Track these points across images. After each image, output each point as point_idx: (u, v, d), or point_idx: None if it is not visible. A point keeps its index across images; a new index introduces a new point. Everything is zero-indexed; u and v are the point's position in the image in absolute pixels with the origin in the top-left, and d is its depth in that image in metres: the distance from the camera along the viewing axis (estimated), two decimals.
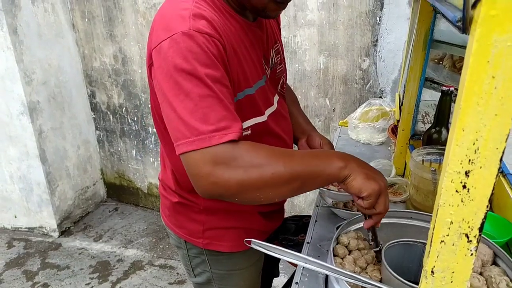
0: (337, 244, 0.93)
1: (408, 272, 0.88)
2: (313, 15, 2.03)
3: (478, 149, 0.46)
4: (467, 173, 0.48)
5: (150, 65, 0.88)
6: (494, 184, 0.48)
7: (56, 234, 2.90)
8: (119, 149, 3.11)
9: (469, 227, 0.51)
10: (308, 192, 2.50)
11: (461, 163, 0.47)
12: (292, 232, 1.31)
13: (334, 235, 0.92)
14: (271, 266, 1.45)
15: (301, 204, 2.57)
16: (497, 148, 0.46)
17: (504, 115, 0.44)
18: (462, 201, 0.49)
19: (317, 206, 1.20)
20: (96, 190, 3.26)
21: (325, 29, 2.03)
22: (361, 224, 0.99)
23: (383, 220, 1.00)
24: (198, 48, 0.78)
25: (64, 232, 2.95)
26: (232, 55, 0.86)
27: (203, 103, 0.77)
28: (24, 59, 2.50)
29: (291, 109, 1.25)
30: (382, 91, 2.03)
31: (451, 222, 0.51)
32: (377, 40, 1.94)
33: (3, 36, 2.39)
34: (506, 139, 0.46)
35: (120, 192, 3.30)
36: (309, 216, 1.23)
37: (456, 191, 0.49)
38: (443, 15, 0.58)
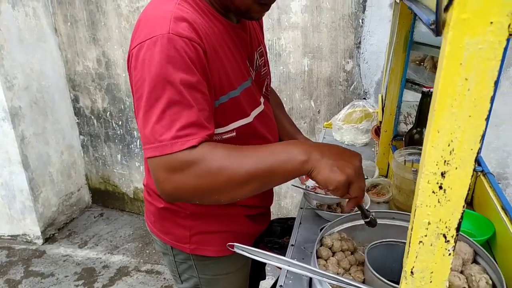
0: (320, 246, 0.93)
1: (391, 272, 0.88)
2: (296, 18, 2.04)
3: (453, 150, 0.47)
4: (443, 174, 0.48)
5: (129, 67, 0.87)
6: (470, 185, 0.49)
7: (40, 241, 2.85)
8: (104, 154, 3.08)
9: (446, 227, 0.51)
10: (294, 195, 2.52)
11: (437, 164, 0.48)
12: (277, 235, 1.31)
13: (318, 237, 0.92)
14: (257, 269, 1.45)
15: (288, 206, 2.58)
16: (471, 149, 0.47)
17: (477, 117, 0.45)
18: (438, 201, 0.50)
19: (301, 208, 1.20)
20: (81, 196, 3.22)
21: (309, 31, 2.04)
22: (345, 225, 1.00)
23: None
24: (175, 52, 0.77)
25: (48, 239, 2.90)
26: (214, 59, 0.86)
27: (172, 109, 0.77)
28: (4, 64, 2.45)
29: (276, 112, 1.26)
30: (366, 92, 2.05)
31: (429, 223, 0.51)
32: (360, 42, 1.96)
33: None
34: (480, 140, 0.47)
35: (105, 197, 3.26)
36: (294, 219, 1.24)
37: (433, 191, 0.49)
38: (420, 18, 0.59)
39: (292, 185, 1.14)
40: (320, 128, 2.21)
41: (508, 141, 1.83)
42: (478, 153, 0.47)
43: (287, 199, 2.55)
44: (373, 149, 1.56)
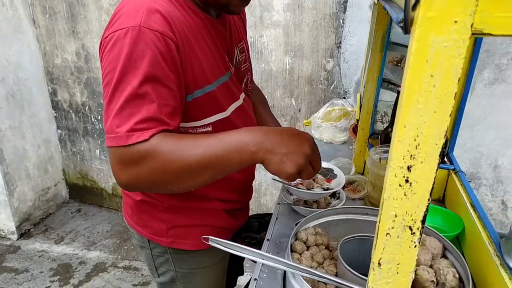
0: (295, 240, 0.94)
1: (363, 266, 0.90)
2: (278, 16, 2.05)
3: (419, 144, 0.48)
4: (409, 168, 0.49)
5: (100, 53, 0.87)
6: (435, 178, 0.50)
7: (14, 236, 2.79)
8: (82, 148, 3.03)
9: (412, 219, 0.52)
10: (274, 192, 2.53)
11: (403, 158, 0.49)
12: (255, 230, 1.32)
13: (293, 231, 0.93)
14: (236, 265, 1.46)
15: (267, 203, 2.59)
16: (436, 144, 0.48)
17: (442, 112, 0.46)
18: (405, 194, 0.51)
19: (278, 204, 1.21)
20: (58, 191, 3.16)
21: (291, 30, 2.06)
22: (320, 221, 1.01)
23: (340, 217, 1.03)
24: (144, 45, 0.78)
25: (24, 235, 2.84)
26: (188, 53, 0.86)
27: (133, 102, 0.78)
28: None
29: (259, 109, 1.27)
30: (346, 91, 2.08)
31: (396, 215, 0.52)
32: (340, 42, 1.98)
33: None
34: (444, 135, 0.48)
35: (83, 192, 3.21)
36: (272, 214, 1.25)
37: (400, 185, 0.50)
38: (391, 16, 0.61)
39: (272, 178, 1.15)
40: (301, 126, 2.23)
41: (481, 141, 1.88)
42: (442, 147, 0.49)
43: (267, 196, 2.57)
44: (350, 147, 1.59)
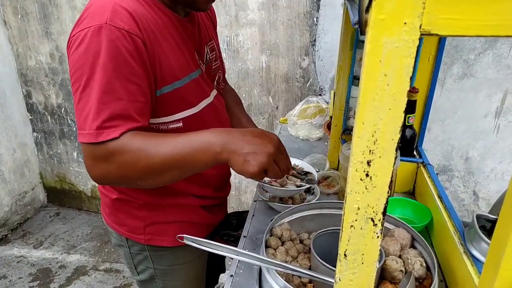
0: (270, 236, 0.97)
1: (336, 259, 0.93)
2: (254, 15, 2.07)
3: (376, 140, 0.50)
4: (368, 163, 0.52)
5: (68, 51, 0.88)
6: (393, 172, 0.53)
7: None
8: (59, 151, 2.98)
9: (374, 211, 0.55)
10: (254, 189, 2.55)
11: (363, 154, 0.51)
12: (233, 228, 1.34)
13: (268, 227, 0.95)
14: (217, 262, 1.47)
15: (248, 200, 2.61)
16: (392, 139, 0.51)
17: (396, 109, 0.48)
18: (366, 188, 0.53)
19: (255, 201, 1.23)
20: (36, 195, 3.10)
21: (266, 28, 2.08)
22: (294, 216, 1.04)
23: (314, 212, 1.05)
24: (110, 43, 0.79)
25: (1, 241, 2.79)
26: (155, 50, 0.88)
27: (101, 99, 0.80)
28: None
29: (234, 109, 1.28)
30: (322, 89, 2.11)
31: (358, 208, 0.55)
32: (315, 40, 2.01)
33: None
34: (399, 130, 0.51)
35: (61, 196, 3.16)
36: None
37: (361, 179, 0.53)
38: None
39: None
40: (278, 123, 2.25)
41: (452, 135, 1.94)
42: (398, 143, 0.51)
43: (247, 194, 2.59)
44: (326, 143, 1.62)
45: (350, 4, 0.77)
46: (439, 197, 1.02)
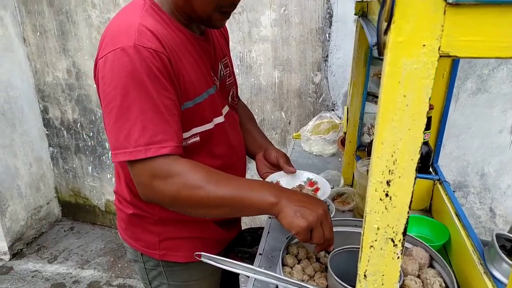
0: (286, 253, 0.96)
1: (354, 278, 0.92)
2: (266, 31, 2.09)
3: (396, 160, 0.50)
4: (388, 183, 0.52)
5: (96, 76, 0.90)
6: (413, 192, 0.52)
7: (7, 257, 2.76)
8: (74, 166, 3.03)
9: (393, 232, 0.54)
10: None
11: (382, 173, 0.51)
12: (248, 245, 1.33)
13: (283, 245, 0.95)
14: (231, 279, 1.46)
15: (261, 216, 2.60)
16: (412, 159, 0.51)
17: (416, 130, 0.49)
18: (386, 208, 0.53)
19: (270, 217, 1.23)
20: (50, 209, 3.14)
21: (279, 44, 2.10)
22: None
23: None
24: (142, 62, 0.81)
25: (16, 255, 2.81)
26: (179, 66, 0.90)
27: (143, 115, 0.82)
28: None
29: (247, 125, 1.29)
30: (334, 104, 2.11)
31: (378, 228, 0.54)
32: (327, 56, 2.03)
33: None
34: (419, 151, 0.51)
35: (76, 210, 3.19)
36: (264, 228, 1.26)
37: (380, 199, 0.52)
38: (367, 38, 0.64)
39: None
40: (291, 138, 2.26)
41: (467, 150, 1.92)
42: (418, 163, 0.51)
43: None
44: (340, 159, 1.61)
45: (366, 24, 0.77)
46: (457, 215, 1.00)
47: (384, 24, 0.45)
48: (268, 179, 1.13)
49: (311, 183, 1.18)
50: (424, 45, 0.43)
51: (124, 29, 0.86)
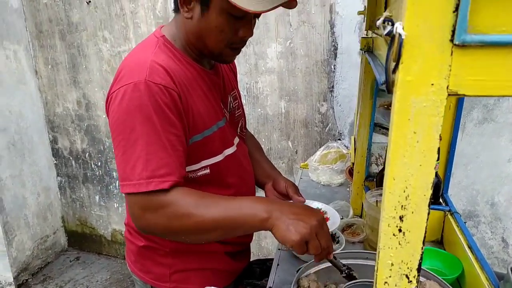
0: (297, 287, 0.95)
1: None
2: (273, 63, 2.14)
3: (408, 196, 0.50)
4: (401, 218, 0.52)
5: (107, 109, 0.94)
6: (426, 228, 0.52)
7: (12, 287, 2.74)
8: (82, 195, 3.03)
9: (408, 268, 0.54)
10: None
11: (395, 209, 0.51)
12: (256, 277, 1.32)
13: (294, 279, 0.94)
14: None
15: (268, 246, 2.57)
16: (424, 195, 0.51)
17: (427, 165, 0.49)
18: (399, 243, 0.53)
19: (279, 249, 1.22)
20: (57, 239, 3.13)
21: (285, 76, 2.14)
22: (321, 266, 1.02)
23: (344, 262, 1.03)
24: (151, 97, 0.84)
25: (21, 285, 2.79)
26: (188, 101, 0.93)
27: (148, 149, 0.84)
28: None
29: (255, 155, 1.31)
30: (341, 133, 2.13)
31: (392, 264, 0.54)
32: (333, 86, 2.06)
33: None
34: (431, 186, 0.51)
35: (82, 240, 3.18)
36: (273, 260, 1.25)
37: (394, 234, 0.52)
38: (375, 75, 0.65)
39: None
40: (298, 167, 2.26)
41: (476, 179, 1.91)
42: (430, 198, 0.51)
43: (267, 239, 2.55)
44: (348, 189, 1.61)
45: (372, 59, 0.79)
46: (469, 247, 0.99)
47: (393, 64, 0.47)
48: None
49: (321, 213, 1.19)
50: (432, 84, 0.44)
51: (137, 65, 0.89)
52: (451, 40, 0.42)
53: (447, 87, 0.45)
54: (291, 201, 1.15)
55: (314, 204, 1.20)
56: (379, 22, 0.50)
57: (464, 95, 0.45)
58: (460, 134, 1.85)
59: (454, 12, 0.41)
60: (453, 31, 0.42)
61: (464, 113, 1.82)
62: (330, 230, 1.12)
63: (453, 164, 1.20)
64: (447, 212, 1.16)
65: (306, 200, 1.16)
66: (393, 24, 0.46)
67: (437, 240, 1.21)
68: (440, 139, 1.14)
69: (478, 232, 1.98)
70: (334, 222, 1.15)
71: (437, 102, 0.46)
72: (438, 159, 1.15)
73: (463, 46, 0.42)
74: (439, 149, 1.18)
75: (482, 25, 0.42)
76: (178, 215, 0.85)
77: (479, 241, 1.99)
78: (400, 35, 0.44)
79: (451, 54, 0.43)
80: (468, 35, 0.42)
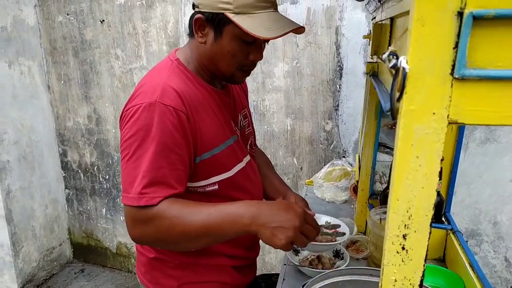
0: None
1: None
2: (279, 82, 2.20)
3: (411, 216, 0.54)
4: (404, 236, 0.55)
5: (121, 122, 1.00)
6: (428, 246, 0.56)
7: None
8: (89, 207, 3.07)
9: (410, 284, 0.57)
10: (278, 250, 2.54)
11: (398, 228, 0.55)
12: None
13: None
14: None
15: (272, 261, 2.59)
16: (426, 215, 0.54)
17: (429, 188, 0.53)
18: (402, 261, 0.56)
19: (284, 264, 1.25)
20: (62, 251, 3.15)
21: (291, 94, 2.19)
22: (325, 282, 1.04)
23: (346, 278, 1.06)
24: (159, 118, 0.91)
25: None
26: (197, 122, 0.98)
27: (148, 166, 0.90)
28: None
29: (265, 171, 1.36)
30: (345, 151, 2.17)
31: (395, 280, 0.57)
32: (338, 105, 2.11)
33: None
34: (433, 207, 0.55)
35: (87, 252, 3.20)
36: (278, 275, 1.28)
37: (397, 252, 0.56)
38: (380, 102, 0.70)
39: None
40: (303, 184, 2.29)
41: (478, 198, 1.93)
42: (432, 218, 0.55)
43: (271, 254, 2.57)
44: (352, 206, 1.64)
45: (377, 84, 0.84)
46: (471, 266, 1.02)
47: (397, 94, 0.51)
48: None
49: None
50: (434, 113, 0.48)
51: (151, 87, 0.96)
52: (451, 74, 0.46)
53: (448, 116, 0.49)
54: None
55: (323, 219, 1.24)
56: (384, 56, 0.55)
57: (464, 123, 0.49)
58: (463, 153, 1.89)
59: (454, 48, 0.45)
60: (453, 66, 0.46)
61: (467, 133, 1.86)
62: (339, 242, 1.16)
63: (455, 183, 1.24)
64: (449, 231, 1.19)
65: (316, 214, 1.21)
66: (397, 58, 0.51)
67: (440, 258, 1.24)
68: (442, 160, 1.18)
69: (481, 251, 2.00)
70: (345, 235, 1.18)
71: (438, 130, 0.49)
72: (440, 179, 1.18)
73: (462, 79, 0.46)
74: (441, 169, 1.23)
75: (479, 60, 0.46)
76: (164, 226, 0.90)
77: (482, 260, 2.00)
78: (404, 68, 0.48)
79: (451, 86, 0.47)
80: (467, 70, 0.46)
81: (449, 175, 1.23)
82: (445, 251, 1.22)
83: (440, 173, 1.23)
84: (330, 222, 1.26)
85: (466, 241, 1.13)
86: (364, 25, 1.94)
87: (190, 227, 0.90)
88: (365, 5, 1.85)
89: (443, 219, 1.25)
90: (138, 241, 0.99)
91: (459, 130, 1.19)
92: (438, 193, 1.22)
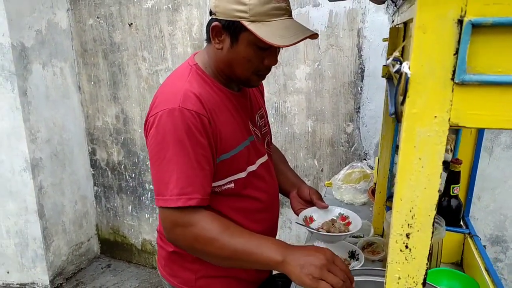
0: None
1: None
2: (301, 84, 2.22)
3: (414, 215, 0.56)
4: (408, 235, 0.57)
5: (146, 130, 1.05)
6: (430, 245, 0.58)
7: None
8: (116, 204, 3.18)
9: (414, 281, 0.59)
10: None
11: (402, 227, 0.56)
12: None
13: None
14: None
15: None
16: (429, 215, 0.56)
17: (431, 188, 0.54)
18: (406, 259, 0.58)
19: None
20: (90, 246, 3.28)
21: (312, 96, 2.21)
22: None
23: (361, 278, 1.07)
24: (183, 122, 0.95)
25: None
26: (217, 125, 1.03)
27: (179, 169, 0.95)
28: (30, 118, 2.65)
29: (280, 167, 1.40)
30: (366, 153, 2.16)
31: (399, 278, 0.59)
32: (359, 108, 2.11)
33: (13, 98, 2.56)
34: (435, 208, 0.56)
35: (113, 248, 3.31)
36: None
37: (401, 250, 0.58)
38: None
39: (296, 222, 1.23)
40: (323, 186, 2.30)
41: (504, 204, 1.89)
42: (434, 218, 0.56)
43: None
44: (370, 209, 1.64)
45: (390, 88, 0.85)
46: (486, 270, 1.01)
47: (400, 98, 0.53)
48: (302, 214, 1.21)
49: (343, 217, 1.23)
50: (435, 117, 0.50)
51: (173, 93, 1.01)
52: (452, 79, 0.48)
53: (449, 119, 0.50)
54: (314, 207, 1.23)
55: (337, 210, 1.25)
56: (389, 61, 0.57)
57: (464, 126, 0.50)
58: (488, 158, 1.85)
59: (454, 54, 0.47)
60: (454, 71, 0.48)
61: (492, 137, 1.82)
62: (352, 232, 1.16)
63: (474, 187, 1.23)
64: (467, 235, 1.18)
65: (329, 206, 1.23)
66: (401, 63, 0.53)
67: (457, 262, 1.23)
68: (461, 163, 1.18)
69: (506, 258, 1.95)
70: (356, 225, 1.18)
71: (439, 132, 0.51)
72: (458, 183, 1.18)
73: (463, 84, 0.48)
74: (459, 172, 1.22)
75: (479, 66, 0.48)
76: (204, 237, 0.95)
77: (508, 267, 1.95)
78: (406, 73, 0.50)
79: (452, 91, 0.49)
80: (467, 75, 0.47)
81: (468, 179, 1.22)
82: (462, 255, 1.22)
83: (459, 176, 1.23)
84: (343, 214, 1.27)
85: (484, 246, 1.12)
86: (386, 27, 1.94)
87: (227, 249, 0.94)
88: (386, 8, 1.85)
89: (461, 223, 1.24)
90: (174, 243, 1.05)
91: (478, 134, 1.18)
92: (456, 197, 1.21)
